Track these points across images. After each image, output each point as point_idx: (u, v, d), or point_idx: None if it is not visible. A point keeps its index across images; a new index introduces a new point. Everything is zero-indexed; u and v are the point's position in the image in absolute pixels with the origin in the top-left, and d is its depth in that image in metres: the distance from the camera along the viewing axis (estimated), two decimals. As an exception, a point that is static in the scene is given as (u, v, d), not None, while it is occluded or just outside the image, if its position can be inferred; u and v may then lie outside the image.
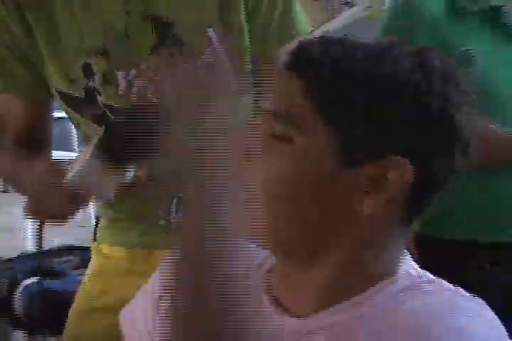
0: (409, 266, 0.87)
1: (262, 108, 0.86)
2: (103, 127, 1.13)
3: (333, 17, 16.30)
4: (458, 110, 0.81)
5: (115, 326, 1.08)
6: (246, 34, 1.30)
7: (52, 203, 1.12)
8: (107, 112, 1.32)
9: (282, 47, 1.17)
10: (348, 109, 0.80)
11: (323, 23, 16.75)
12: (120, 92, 1.30)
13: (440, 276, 1.49)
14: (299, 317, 0.84)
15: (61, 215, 1.15)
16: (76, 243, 3.24)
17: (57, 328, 1.58)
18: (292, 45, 0.90)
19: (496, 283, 1.57)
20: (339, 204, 0.81)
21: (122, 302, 1.27)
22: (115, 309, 1.31)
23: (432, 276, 0.87)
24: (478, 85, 1.37)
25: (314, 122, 0.80)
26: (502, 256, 1.59)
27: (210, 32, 1.28)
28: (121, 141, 1.09)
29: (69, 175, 1.10)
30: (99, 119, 1.33)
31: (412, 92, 0.79)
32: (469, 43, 1.48)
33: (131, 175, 1.14)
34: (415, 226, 0.87)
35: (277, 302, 0.87)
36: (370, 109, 0.79)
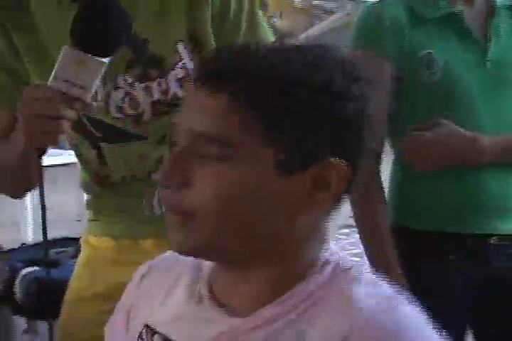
0: (329, 253, 0.91)
1: (188, 129, 0.85)
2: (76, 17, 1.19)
3: (314, 24, 16.50)
4: (367, 107, 0.85)
5: (105, 313, 1.11)
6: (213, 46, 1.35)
7: (44, 111, 1.16)
8: (87, 125, 1.38)
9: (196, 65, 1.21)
10: (276, 120, 0.81)
11: (305, 29, 16.89)
12: (98, 105, 1.35)
13: (410, 264, 1.59)
14: (240, 316, 0.87)
15: (56, 116, 1.17)
16: (72, 236, 3.33)
17: (55, 314, 1.64)
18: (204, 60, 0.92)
19: (460, 272, 1.65)
20: (281, 212, 0.84)
21: (111, 290, 1.37)
22: (104, 296, 1.42)
23: (349, 263, 0.91)
24: (441, 86, 1.52)
25: (248, 138, 0.82)
26: (467, 246, 1.65)
27: (181, 47, 1.33)
28: (92, 31, 1.15)
29: (50, 80, 1.15)
30: (80, 131, 1.40)
31: (327, 99, 0.82)
32: (432, 47, 1.53)
33: (105, 67, 1.18)
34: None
35: (219, 304, 0.90)
36: (294, 118, 0.81)
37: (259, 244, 0.86)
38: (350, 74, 0.84)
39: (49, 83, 1.15)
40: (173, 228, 0.86)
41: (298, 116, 0.81)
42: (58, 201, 5.19)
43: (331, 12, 15.13)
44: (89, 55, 1.12)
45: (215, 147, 0.81)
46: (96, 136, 1.38)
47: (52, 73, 1.15)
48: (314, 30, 16.51)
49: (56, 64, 1.15)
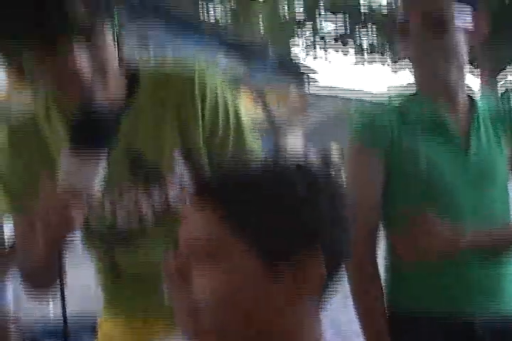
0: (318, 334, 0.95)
1: (183, 236, 0.95)
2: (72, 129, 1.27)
3: (309, 113, 17.18)
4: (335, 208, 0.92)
5: None
6: (205, 161, 1.41)
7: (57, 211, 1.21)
8: (93, 229, 1.44)
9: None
10: (256, 227, 0.90)
11: (300, 118, 17.58)
12: (105, 214, 1.42)
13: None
14: None
15: (68, 217, 1.23)
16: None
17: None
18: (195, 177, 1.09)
19: None
20: (272, 302, 0.90)
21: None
22: None
23: None
24: (424, 177, 1.59)
25: (233, 241, 0.90)
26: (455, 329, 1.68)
27: (176, 158, 1.40)
28: (85, 131, 1.22)
29: (58, 181, 1.22)
30: (90, 237, 1.47)
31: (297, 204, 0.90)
32: (417, 142, 1.63)
33: (105, 163, 1.26)
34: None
35: None
36: (272, 223, 0.90)
37: (260, 326, 0.91)
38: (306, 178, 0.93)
39: (57, 182, 1.22)
40: (181, 315, 0.94)
41: (274, 221, 0.90)
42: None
43: (323, 101, 15.95)
44: (86, 152, 1.20)
45: (206, 250, 0.90)
46: (104, 240, 1.47)
47: (58, 173, 1.23)
48: (309, 120, 17.36)
49: (60, 165, 1.23)
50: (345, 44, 23.41)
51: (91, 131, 1.23)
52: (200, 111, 1.39)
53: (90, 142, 1.22)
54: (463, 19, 1.59)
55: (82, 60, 1.20)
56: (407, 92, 1.73)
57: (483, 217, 1.67)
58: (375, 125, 1.65)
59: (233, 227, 0.90)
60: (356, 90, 16.75)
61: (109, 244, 1.45)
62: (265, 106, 15.62)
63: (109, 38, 1.26)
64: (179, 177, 1.40)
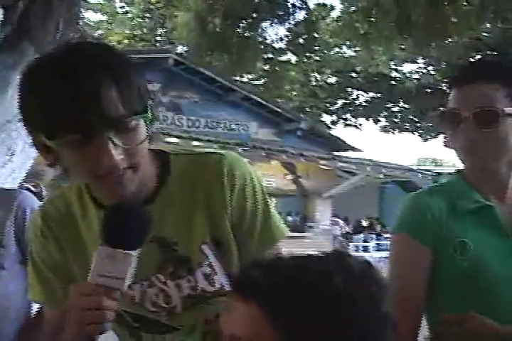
0: None
1: (227, 334, 0.98)
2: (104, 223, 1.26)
3: (338, 184, 17.18)
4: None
5: None
6: (234, 249, 1.40)
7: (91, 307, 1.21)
8: (126, 317, 1.44)
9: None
10: (300, 327, 0.92)
11: (329, 188, 17.58)
12: (135, 301, 1.41)
13: None
14: None
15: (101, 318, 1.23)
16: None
17: None
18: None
19: None
20: None
21: None
22: None
23: None
24: (472, 272, 1.55)
25: (271, 337, 0.92)
26: None
27: (205, 248, 1.38)
28: (117, 230, 1.22)
29: (89, 276, 1.21)
30: (120, 323, 1.43)
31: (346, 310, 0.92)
32: (466, 235, 1.59)
33: (134, 258, 1.24)
34: None
35: None
36: (315, 325, 0.92)
37: None
38: (361, 281, 0.96)
39: (89, 279, 1.21)
40: None
41: (315, 323, 0.92)
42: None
43: (352, 173, 16.01)
44: (118, 250, 1.20)
45: None
46: (134, 326, 1.44)
47: (91, 269, 1.21)
48: (338, 189, 17.49)
49: (93, 261, 1.22)
50: (377, 112, 23.69)
51: (125, 230, 1.23)
52: (229, 198, 1.38)
53: (125, 242, 1.22)
54: None
55: (117, 153, 1.19)
56: (457, 179, 1.70)
57: None
58: (425, 216, 1.61)
59: (273, 322, 0.92)
60: (385, 163, 16.68)
61: (138, 332, 1.44)
62: (295, 176, 15.69)
63: (143, 132, 1.23)
64: (208, 269, 1.38)
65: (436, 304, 1.63)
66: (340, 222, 17.89)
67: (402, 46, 12.14)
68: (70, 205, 1.43)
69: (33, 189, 6.56)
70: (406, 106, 23.10)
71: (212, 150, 1.49)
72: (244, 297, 0.96)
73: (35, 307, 2.17)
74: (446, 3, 7.75)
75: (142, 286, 1.40)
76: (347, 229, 18.63)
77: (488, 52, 14.50)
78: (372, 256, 12.83)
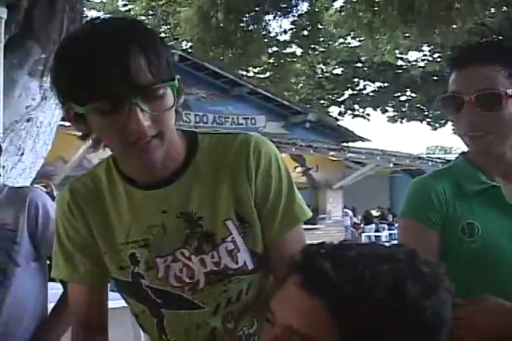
0: None
1: (282, 324, 0.96)
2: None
3: (347, 174, 17.17)
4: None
5: None
6: (258, 227, 1.42)
7: None
8: (149, 292, 1.44)
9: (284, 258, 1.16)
10: (362, 326, 0.89)
11: (339, 179, 17.55)
12: (159, 276, 1.42)
13: None
14: None
15: None
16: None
17: None
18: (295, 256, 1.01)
19: None
20: None
21: None
22: None
23: None
24: (482, 253, 1.54)
25: (331, 336, 0.90)
26: None
27: (229, 223, 1.40)
28: None
29: None
30: (143, 299, 1.46)
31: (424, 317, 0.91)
32: (473, 217, 1.58)
33: None
34: None
35: None
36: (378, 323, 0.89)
37: None
38: (429, 284, 0.95)
39: None
40: None
41: (380, 326, 0.90)
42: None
43: (362, 163, 16.00)
44: None
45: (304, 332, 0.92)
46: (157, 302, 1.45)
47: None
48: (348, 180, 17.49)
49: None
50: (384, 102, 23.62)
51: None
52: (254, 176, 1.41)
53: None
54: None
55: (145, 119, 1.22)
56: (462, 162, 1.69)
57: None
58: (431, 200, 1.61)
59: (333, 323, 0.90)
60: (394, 152, 16.64)
61: (159, 309, 1.46)
62: (305, 168, 15.67)
63: (170, 101, 1.26)
64: (231, 245, 1.41)
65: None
66: (350, 212, 17.87)
67: (407, 34, 12.08)
68: (98, 181, 1.47)
69: (44, 189, 6.61)
70: (413, 94, 23.02)
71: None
72: (311, 291, 0.93)
73: (51, 305, 2.20)
74: (449, -11, 7.73)
75: (166, 261, 1.41)
76: (355, 220, 18.60)
77: (494, 37, 14.42)
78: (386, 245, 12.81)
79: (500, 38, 14.41)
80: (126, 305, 1.54)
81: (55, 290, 2.32)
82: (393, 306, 0.90)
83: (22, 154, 3.51)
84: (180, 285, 1.42)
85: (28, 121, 3.54)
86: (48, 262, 2.17)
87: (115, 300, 1.65)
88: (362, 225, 18.89)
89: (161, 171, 1.37)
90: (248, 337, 1.45)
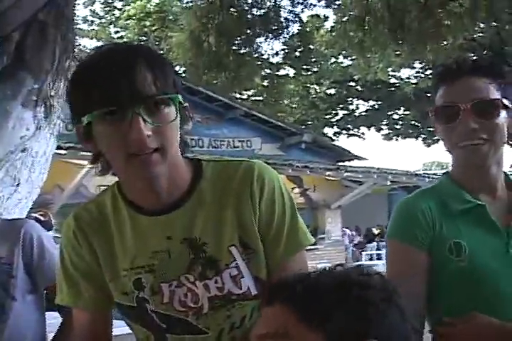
0: None
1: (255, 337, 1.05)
2: None
3: (345, 194, 17.15)
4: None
5: None
6: (262, 253, 1.44)
7: None
8: (154, 317, 1.44)
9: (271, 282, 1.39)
10: (319, 319, 1.00)
11: (337, 199, 17.55)
12: (165, 300, 1.43)
13: None
14: None
15: None
16: None
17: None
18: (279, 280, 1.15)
19: None
20: None
21: None
22: None
23: None
24: (470, 272, 1.55)
25: (304, 333, 1.00)
26: None
27: (233, 250, 1.41)
28: None
29: None
30: (147, 324, 1.46)
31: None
32: (460, 236, 1.58)
33: None
34: None
35: None
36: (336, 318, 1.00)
37: None
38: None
39: None
40: None
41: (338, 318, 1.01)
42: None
43: (359, 182, 15.99)
44: None
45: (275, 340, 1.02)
46: (162, 327, 1.45)
47: None
48: (346, 199, 17.43)
49: None
50: (378, 120, 23.71)
51: None
52: (257, 203, 1.42)
53: None
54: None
55: (146, 129, 1.25)
56: (446, 180, 1.71)
57: None
58: (418, 220, 1.62)
59: (304, 315, 1.00)
60: (391, 170, 16.66)
61: (164, 334, 1.46)
62: (302, 189, 15.66)
63: (172, 115, 1.29)
64: (235, 270, 1.42)
65: (438, 305, 1.63)
66: (348, 231, 17.82)
67: (398, 52, 12.17)
68: (104, 208, 1.48)
69: (41, 218, 6.59)
70: (407, 112, 23.12)
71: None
72: (269, 300, 1.06)
73: (50, 336, 2.18)
74: (438, 7, 7.79)
75: (171, 286, 1.42)
76: (358, 238, 18.56)
77: (484, 53, 14.53)
78: (386, 263, 12.75)
79: (491, 53, 14.54)
80: (131, 332, 1.54)
81: (53, 319, 2.30)
82: (338, 297, 1.01)
83: (18, 184, 3.49)
84: (185, 310, 1.43)
85: (23, 151, 3.53)
86: (45, 292, 2.16)
87: (120, 327, 1.65)
88: (364, 243, 18.85)
89: (165, 197, 1.39)
90: None
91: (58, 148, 5.56)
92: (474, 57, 1.69)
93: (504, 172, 1.70)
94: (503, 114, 1.59)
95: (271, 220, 1.44)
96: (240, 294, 1.40)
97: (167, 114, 1.28)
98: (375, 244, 18.84)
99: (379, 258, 16.98)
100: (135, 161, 1.28)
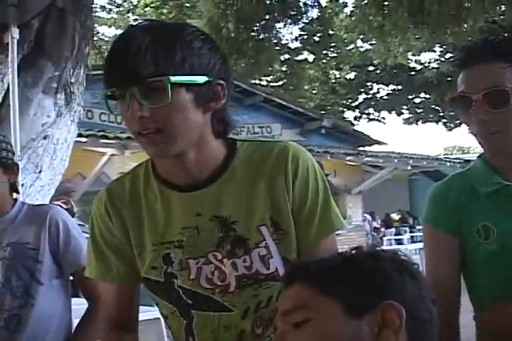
0: None
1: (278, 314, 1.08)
2: None
3: (365, 179, 17.07)
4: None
5: None
6: (293, 235, 1.44)
7: None
8: (181, 293, 1.45)
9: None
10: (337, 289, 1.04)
11: (358, 184, 17.47)
12: (191, 277, 1.43)
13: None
14: None
15: None
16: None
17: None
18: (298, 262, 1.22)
19: None
20: None
21: None
22: None
23: None
24: (500, 254, 1.54)
25: (320, 302, 1.03)
26: None
27: (263, 229, 1.41)
28: None
29: None
30: (174, 299, 1.47)
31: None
32: (488, 218, 1.57)
33: None
34: None
35: None
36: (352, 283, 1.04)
37: None
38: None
39: None
40: None
41: (354, 283, 1.04)
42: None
43: (379, 167, 15.90)
44: None
45: (297, 314, 1.04)
46: (187, 303, 1.45)
47: None
48: (366, 184, 17.38)
49: None
50: (399, 104, 23.54)
51: None
52: (291, 184, 1.43)
53: None
54: None
55: (142, 110, 1.27)
56: (479, 163, 1.68)
57: None
58: (449, 205, 1.63)
59: (322, 286, 1.04)
60: (411, 154, 16.55)
61: (190, 310, 1.46)
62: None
63: (174, 98, 1.28)
64: (264, 250, 1.42)
65: (474, 289, 1.63)
66: (368, 217, 17.77)
67: (418, 36, 12.04)
68: (137, 181, 1.50)
69: (63, 206, 6.65)
70: (427, 96, 22.92)
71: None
72: (288, 281, 1.09)
73: (76, 321, 2.21)
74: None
75: (199, 263, 1.43)
76: (375, 224, 18.49)
77: (505, 35, 14.32)
78: (408, 248, 12.74)
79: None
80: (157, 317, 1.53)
81: (79, 305, 2.33)
82: (352, 268, 1.06)
83: (40, 171, 3.53)
84: (212, 287, 1.43)
85: (44, 138, 3.57)
86: (71, 278, 2.19)
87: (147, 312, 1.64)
88: (382, 229, 18.78)
89: (196, 174, 1.41)
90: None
91: (79, 135, 5.60)
92: (491, 40, 1.62)
93: None
94: None
95: (304, 201, 1.44)
96: (268, 274, 1.40)
97: (165, 96, 1.27)
98: (393, 229, 18.78)
99: (399, 243, 16.92)
100: (141, 139, 1.31)
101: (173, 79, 1.26)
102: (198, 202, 1.42)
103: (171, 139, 1.31)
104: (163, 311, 1.52)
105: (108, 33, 22.73)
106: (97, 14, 18.96)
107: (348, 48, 22.30)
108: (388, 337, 1.00)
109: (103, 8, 22.65)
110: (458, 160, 17.33)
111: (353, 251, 1.11)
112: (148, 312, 3.18)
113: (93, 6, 4.36)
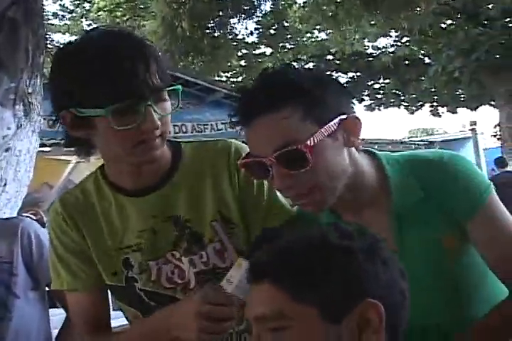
0: None
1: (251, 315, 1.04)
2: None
3: None
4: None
5: None
6: (243, 227, 1.47)
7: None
8: (143, 296, 1.47)
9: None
10: (309, 291, 1.00)
11: None
12: (152, 278, 1.46)
13: None
14: None
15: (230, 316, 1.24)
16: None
17: None
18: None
19: None
20: None
21: None
22: None
23: None
24: None
25: (295, 307, 1.00)
26: None
27: (215, 224, 1.46)
28: None
29: (229, 287, 1.22)
30: (135, 303, 1.49)
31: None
32: None
33: None
34: None
35: None
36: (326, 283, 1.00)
37: None
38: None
39: (229, 290, 1.22)
40: None
41: (329, 281, 1.01)
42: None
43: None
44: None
45: (273, 322, 1.01)
46: (150, 305, 1.47)
47: (226, 278, 1.24)
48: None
49: (232, 270, 1.24)
50: (359, 91, 23.66)
51: None
52: (236, 179, 1.48)
53: None
54: None
55: (157, 119, 1.31)
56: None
57: None
58: None
59: (289, 296, 1.00)
60: (376, 139, 16.68)
61: (153, 309, 1.45)
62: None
63: (169, 106, 1.36)
64: (218, 245, 1.46)
65: None
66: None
67: (373, 22, 12.13)
68: (87, 192, 1.52)
69: (33, 217, 6.56)
70: (387, 81, 23.07)
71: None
72: (255, 277, 1.06)
73: (55, 332, 2.20)
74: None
75: (158, 263, 1.47)
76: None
77: (458, 16, 14.52)
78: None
79: (466, 16, 14.48)
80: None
81: (57, 316, 2.32)
82: (323, 256, 1.01)
83: (5, 184, 3.48)
84: (173, 287, 1.47)
85: (6, 150, 3.52)
86: (47, 289, 2.18)
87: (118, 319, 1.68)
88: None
89: (148, 179, 1.45)
90: (239, 334, 1.48)
91: (42, 145, 5.53)
92: (264, 84, 1.34)
93: None
94: (323, 143, 1.27)
95: (249, 194, 1.49)
96: (225, 268, 1.42)
97: (168, 104, 1.35)
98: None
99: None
100: (141, 147, 1.33)
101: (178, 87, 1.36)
102: (152, 205, 1.46)
103: (164, 143, 1.39)
104: (128, 316, 1.55)
105: (63, 39, 22.44)
106: (49, 22, 18.73)
107: (304, 39, 22.32)
108: (369, 338, 0.99)
109: (55, 15, 22.31)
110: (423, 143, 17.51)
111: (319, 238, 1.04)
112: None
113: (44, 13, 4.30)
